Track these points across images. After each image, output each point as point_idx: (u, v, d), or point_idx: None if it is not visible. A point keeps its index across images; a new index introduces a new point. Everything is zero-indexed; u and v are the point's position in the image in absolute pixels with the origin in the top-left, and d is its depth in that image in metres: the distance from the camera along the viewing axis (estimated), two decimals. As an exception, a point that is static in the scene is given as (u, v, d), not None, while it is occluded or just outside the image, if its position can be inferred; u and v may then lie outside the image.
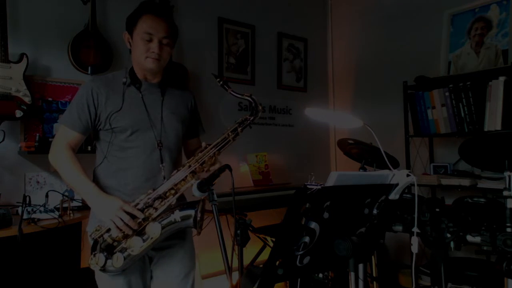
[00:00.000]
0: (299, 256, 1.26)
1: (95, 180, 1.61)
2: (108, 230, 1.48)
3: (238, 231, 1.63)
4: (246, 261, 2.66)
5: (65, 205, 2.29)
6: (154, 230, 1.46)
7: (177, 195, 1.50)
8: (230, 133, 1.55)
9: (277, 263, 1.24)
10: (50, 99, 2.56)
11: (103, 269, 1.48)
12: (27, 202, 2.13)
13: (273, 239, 2.78)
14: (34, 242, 2.02)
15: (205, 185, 1.43)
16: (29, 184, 2.45)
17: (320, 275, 2.68)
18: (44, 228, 2.02)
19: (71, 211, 2.28)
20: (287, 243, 1.23)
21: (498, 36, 2.91)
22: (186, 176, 1.50)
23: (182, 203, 1.55)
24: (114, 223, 1.44)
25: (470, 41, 3.04)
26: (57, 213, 2.15)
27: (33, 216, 2.07)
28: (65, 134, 1.59)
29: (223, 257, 1.41)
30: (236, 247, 1.66)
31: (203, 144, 1.57)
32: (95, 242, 1.51)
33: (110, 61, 2.76)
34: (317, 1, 4.20)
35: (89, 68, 2.66)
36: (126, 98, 1.59)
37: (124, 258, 1.46)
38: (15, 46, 2.37)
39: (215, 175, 1.47)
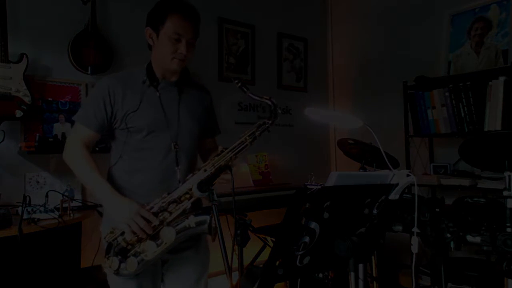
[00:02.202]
0: (299, 256, 1.26)
1: (110, 180, 1.57)
2: (122, 233, 1.45)
3: (238, 231, 1.63)
4: (246, 261, 2.66)
5: (65, 205, 2.29)
6: (168, 235, 1.43)
7: (192, 200, 1.46)
8: (247, 137, 1.48)
9: (277, 263, 1.24)
10: (50, 99, 2.55)
11: (117, 272, 1.46)
12: (27, 202, 2.13)
13: (273, 239, 2.78)
14: (34, 242, 2.02)
15: (205, 185, 1.43)
16: (29, 184, 2.45)
17: (320, 275, 2.68)
18: (44, 228, 2.01)
19: (71, 211, 2.28)
20: (287, 243, 1.23)
21: (498, 36, 2.91)
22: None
23: (197, 208, 1.52)
24: (130, 227, 1.41)
25: (470, 41, 3.04)
26: (57, 213, 2.15)
27: (33, 216, 2.07)
28: (80, 132, 1.56)
29: (223, 257, 1.41)
30: (236, 247, 1.66)
31: (220, 148, 1.51)
32: (109, 245, 1.48)
33: (110, 61, 2.76)
34: (317, 1, 4.19)
35: (89, 68, 2.66)
36: (144, 98, 1.55)
37: (138, 263, 1.43)
38: (15, 46, 2.37)
39: (215, 175, 1.46)
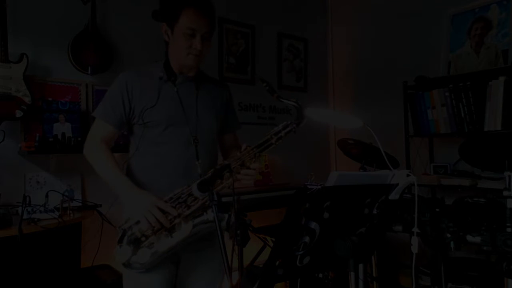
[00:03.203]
0: (299, 256, 1.26)
1: (129, 175, 1.57)
2: (138, 222, 1.44)
3: (238, 231, 1.63)
4: (246, 261, 2.66)
5: (65, 205, 2.29)
6: (184, 228, 1.42)
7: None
8: (273, 136, 1.47)
9: (277, 263, 1.24)
10: (50, 99, 2.55)
11: (128, 264, 1.44)
12: (27, 202, 2.13)
13: (273, 239, 2.78)
14: (34, 242, 2.01)
15: (205, 185, 1.42)
16: (29, 184, 2.45)
17: (320, 275, 2.67)
18: (44, 228, 2.01)
19: (71, 211, 2.28)
20: (287, 243, 1.23)
21: (498, 36, 2.90)
22: (223, 175, 1.44)
23: (217, 204, 1.51)
24: (147, 219, 1.40)
25: (470, 41, 3.04)
26: (57, 213, 2.15)
27: (33, 216, 2.07)
28: (99, 128, 1.57)
29: (223, 257, 1.41)
30: (236, 247, 1.66)
31: (243, 146, 1.50)
32: (124, 233, 1.46)
33: (110, 61, 2.76)
34: (317, 1, 4.19)
35: (89, 68, 2.66)
36: (162, 93, 1.55)
37: (151, 255, 1.42)
38: (15, 46, 2.37)
39: (215, 175, 1.46)
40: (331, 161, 4.18)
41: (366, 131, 1.61)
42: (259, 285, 1.23)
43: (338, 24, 4.18)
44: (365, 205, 1.36)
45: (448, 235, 1.61)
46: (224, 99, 1.74)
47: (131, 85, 1.54)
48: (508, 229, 1.52)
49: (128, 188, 1.48)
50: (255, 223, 2.59)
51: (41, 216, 2.09)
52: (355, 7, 4.00)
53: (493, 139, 1.76)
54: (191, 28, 1.50)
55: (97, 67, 2.69)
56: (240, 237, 1.63)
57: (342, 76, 4.13)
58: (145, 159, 1.57)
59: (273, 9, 3.79)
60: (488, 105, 2.68)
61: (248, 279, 2.58)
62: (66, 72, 2.63)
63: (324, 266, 1.72)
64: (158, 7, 2.92)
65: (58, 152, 2.45)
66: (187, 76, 1.61)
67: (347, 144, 2.74)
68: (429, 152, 3.25)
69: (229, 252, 1.43)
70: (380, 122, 3.48)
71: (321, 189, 1.18)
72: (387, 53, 3.65)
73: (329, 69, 4.24)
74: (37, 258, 2.04)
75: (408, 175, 1.37)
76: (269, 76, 3.75)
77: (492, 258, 2.60)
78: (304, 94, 4.00)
